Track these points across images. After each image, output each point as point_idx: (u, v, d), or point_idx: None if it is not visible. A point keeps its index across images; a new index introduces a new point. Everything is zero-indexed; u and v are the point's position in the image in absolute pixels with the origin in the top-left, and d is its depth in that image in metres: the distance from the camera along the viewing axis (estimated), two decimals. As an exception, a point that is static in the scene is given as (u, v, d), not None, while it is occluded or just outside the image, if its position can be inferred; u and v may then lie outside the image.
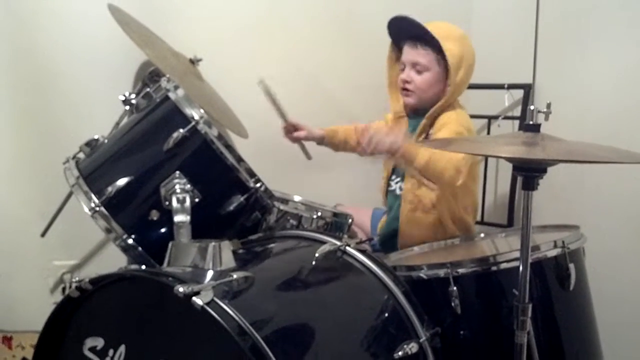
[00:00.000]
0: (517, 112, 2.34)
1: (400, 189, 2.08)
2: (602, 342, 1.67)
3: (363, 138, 1.82)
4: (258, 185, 1.57)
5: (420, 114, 2.05)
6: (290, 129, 2.15)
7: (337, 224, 1.79)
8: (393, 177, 2.15)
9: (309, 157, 2.16)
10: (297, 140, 2.16)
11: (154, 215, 1.54)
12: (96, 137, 1.69)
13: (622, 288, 2.05)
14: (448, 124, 1.94)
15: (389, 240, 2.10)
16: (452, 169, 1.78)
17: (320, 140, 2.22)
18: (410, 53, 2.00)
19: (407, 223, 2.02)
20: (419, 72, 1.99)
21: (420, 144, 1.88)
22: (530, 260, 1.34)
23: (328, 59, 2.43)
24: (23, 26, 2.13)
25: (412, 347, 1.38)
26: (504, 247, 1.86)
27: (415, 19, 1.95)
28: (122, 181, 1.54)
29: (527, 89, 2.31)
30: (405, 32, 2.02)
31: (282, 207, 1.67)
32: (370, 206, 2.30)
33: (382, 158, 2.01)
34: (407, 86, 2.01)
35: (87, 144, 1.68)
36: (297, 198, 1.83)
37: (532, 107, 1.39)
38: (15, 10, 2.12)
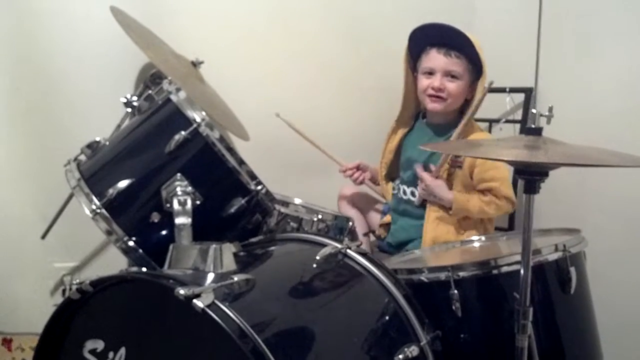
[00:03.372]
0: (519, 115, 2.34)
1: (413, 194, 2.09)
2: (603, 346, 1.67)
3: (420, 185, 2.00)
4: (259, 187, 1.57)
5: (435, 123, 2.09)
6: (353, 172, 2.21)
7: (338, 226, 1.79)
8: (397, 182, 2.17)
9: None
10: (362, 182, 2.24)
11: (155, 217, 1.54)
12: (97, 139, 1.69)
13: (623, 291, 2.04)
14: None
15: (405, 245, 2.10)
16: (501, 211, 1.98)
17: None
18: (443, 60, 2.00)
19: (436, 228, 2.02)
20: (452, 80, 2.01)
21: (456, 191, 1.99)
22: (531, 264, 1.34)
23: (331, 61, 2.43)
24: (25, 28, 2.13)
25: (412, 350, 1.37)
26: (505, 251, 1.85)
27: (455, 27, 1.96)
28: (123, 183, 1.54)
29: (529, 93, 2.30)
30: (431, 38, 2.02)
31: (282, 209, 1.67)
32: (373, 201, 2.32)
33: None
34: (441, 94, 2.01)
35: (89, 146, 1.68)
36: (297, 201, 1.83)
37: (533, 111, 1.39)
38: (17, 12, 2.12)
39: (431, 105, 2.05)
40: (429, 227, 2.02)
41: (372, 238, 2.26)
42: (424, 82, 2.05)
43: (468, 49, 1.97)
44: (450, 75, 2.01)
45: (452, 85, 2.01)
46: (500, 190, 1.95)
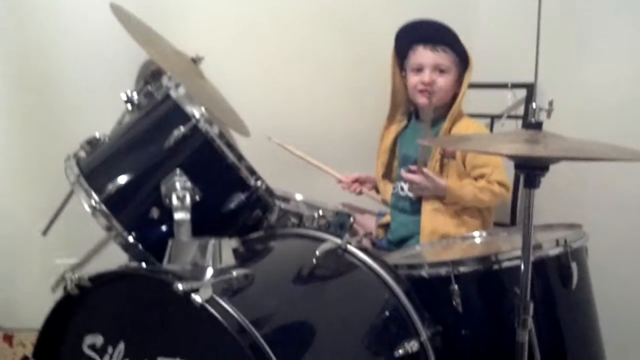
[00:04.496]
0: (521, 111, 2.33)
1: (402, 189, 2.10)
2: (604, 342, 1.66)
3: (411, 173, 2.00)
4: (259, 183, 1.56)
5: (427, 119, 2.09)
6: (350, 185, 2.24)
7: (339, 222, 1.78)
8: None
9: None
10: (361, 193, 2.26)
11: (155, 213, 1.53)
12: (97, 135, 1.68)
13: (624, 287, 2.04)
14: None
15: (405, 241, 2.10)
16: (497, 198, 1.98)
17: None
18: (430, 55, 2.04)
19: (433, 220, 2.02)
20: (441, 74, 2.04)
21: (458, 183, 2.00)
22: (532, 259, 1.33)
23: (332, 57, 2.42)
24: (24, 24, 2.14)
25: (413, 346, 1.38)
26: (506, 246, 1.84)
27: (436, 20, 1.99)
28: (122, 179, 1.53)
29: (530, 88, 2.29)
30: (417, 35, 2.05)
31: (283, 205, 1.67)
32: (370, 206, 2.30)
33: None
34: (430, 88, 2.03)
35: (88, 142, 1.67)
36: (298, 196, 1.82)
37: (534, 105, 1.38)
38: (17, 9, 2.12)
39: (422, 100, 2.07)
40: (425, 219, 2.03)
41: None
42: (413, 78, 2.07)
43: (454, 42, 2.00)
44: (439, 69, 2.04)
45: (441, 80, 2.04)
46: (493, 175, 1.96)
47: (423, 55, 2.05)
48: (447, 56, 2.04)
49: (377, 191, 2.30)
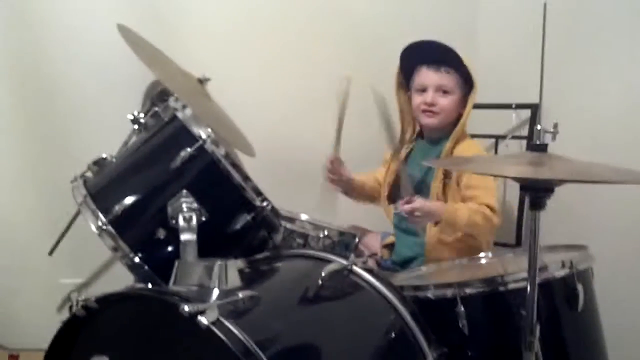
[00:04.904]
0: (525, 131, 2.33)
1: None
2: (612, 364, 1.66)
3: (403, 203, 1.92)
4: (265, 204, 1.57)
5: (432, 139, 2.11)
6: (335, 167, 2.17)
7: (344, 242, 1.79)
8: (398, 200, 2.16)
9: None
10: (338, 183, 2.19)
11: (161, 233, 1.53)
12: (104, 156, 1.69)
13: (631, 308, 2.03)
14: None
15: (410, 262, 2.11)
16: (488, 222, 1.91)
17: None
18: (433, 76, 2.05)
19: (436, 246, 2.02)
20: (444, 95, 2.04)
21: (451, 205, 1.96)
22: (538, 281, 1.33)
23: (337, 79, 2.43)
24: (31, 44, 2.15)
25: (419, 368, 1.37)
26: (512, 267, 1.84)
27: (441, 42, 2.00)
28: (129, 199, 1.54)
29: (535, 109, 2.30)
30: (421, 56, 2.06)
31: (288, 225, 1.67)
32: (377, 224, 2.30)
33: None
34: (433, 109, 2.04)
35: (95, 162, 1.68)
36: (303, 217, 1.82)
37: (538, 127, 1.39)
38: (24, 30, 2.14)
39: (425, 121, 2.08)
40: (429, 239, 2.03)
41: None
42: (417, 99, 2.08)
43: (458, 63, 2.01)
44: (442, 90, 2.04)
45: (444, 101, 2.04)
46: (484, 197, 1.93)
47: (426, 76, 2.06)
48: (451, 77, 2.05)
49: (346, 193, 2.26)
